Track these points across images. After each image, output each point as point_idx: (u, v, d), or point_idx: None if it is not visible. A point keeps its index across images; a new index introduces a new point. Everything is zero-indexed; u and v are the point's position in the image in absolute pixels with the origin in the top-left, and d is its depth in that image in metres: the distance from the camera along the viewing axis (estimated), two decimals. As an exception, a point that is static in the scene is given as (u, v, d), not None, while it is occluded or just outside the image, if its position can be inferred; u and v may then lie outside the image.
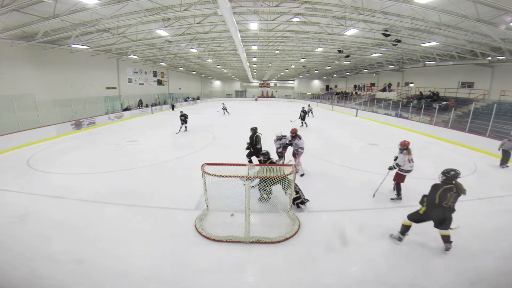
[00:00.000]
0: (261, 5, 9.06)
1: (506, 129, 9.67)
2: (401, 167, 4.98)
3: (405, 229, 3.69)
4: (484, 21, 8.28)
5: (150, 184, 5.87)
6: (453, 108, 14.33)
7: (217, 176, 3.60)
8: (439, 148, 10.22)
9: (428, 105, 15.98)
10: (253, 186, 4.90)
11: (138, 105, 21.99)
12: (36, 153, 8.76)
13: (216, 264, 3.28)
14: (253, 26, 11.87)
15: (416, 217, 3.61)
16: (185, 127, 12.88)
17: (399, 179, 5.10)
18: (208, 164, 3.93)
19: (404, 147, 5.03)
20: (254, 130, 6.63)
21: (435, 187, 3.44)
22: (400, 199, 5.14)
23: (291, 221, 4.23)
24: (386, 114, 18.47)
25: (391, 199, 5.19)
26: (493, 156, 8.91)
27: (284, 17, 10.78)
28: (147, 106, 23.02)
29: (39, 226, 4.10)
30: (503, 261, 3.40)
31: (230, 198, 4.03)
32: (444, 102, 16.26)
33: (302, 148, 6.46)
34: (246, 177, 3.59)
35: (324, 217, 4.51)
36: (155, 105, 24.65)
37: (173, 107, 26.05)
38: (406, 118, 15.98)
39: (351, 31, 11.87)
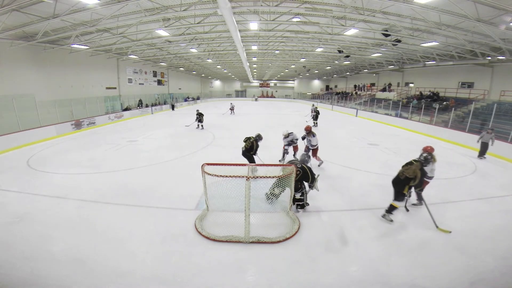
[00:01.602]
0: (261, 5, 9.05)
1: (506, 129, 9.67)
2: (426, 174, 4.66)
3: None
4: (484, 21, 8.28)
5: (150, 184, 5.86)
6: (453, 108, 14.34)
7: (217, 176, 3.61)
8: (439, 148, 10.20)
9: (428, 105, 15.99)
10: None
11: (138, 105, 21.99)
12: (36, 153, 8.76)
13: (216, 264, 3.28)
14: (253, 26, 11.87)
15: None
16: (202, 125, 13.70)
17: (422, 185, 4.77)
18: (208, 164, 3.94)
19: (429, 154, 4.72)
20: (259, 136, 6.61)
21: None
22: (421, 204, 4.78)
23: (291, 221, 4.23)
24: (386, 114, 18.48)
25: (413, 204, 4.93)
26: (493, 156, 8.92)
27: (284, 17, 10.78)
28: (147, 106, 23.01)
29: (39, 226, 4.10)
30: (503, 261, 3.40)
31: (230, 198, 4.03)
32: (444, 102, 16.27)
33: (313, 146, 6.86)
34: (247, 177, 3.59)
35: (324, 217, 4.50)
36: (155, 105, 24.65)
37: (173, 107, 26.07)
38: (406, 118, 15.99)
39: (351, 31, 11.87)
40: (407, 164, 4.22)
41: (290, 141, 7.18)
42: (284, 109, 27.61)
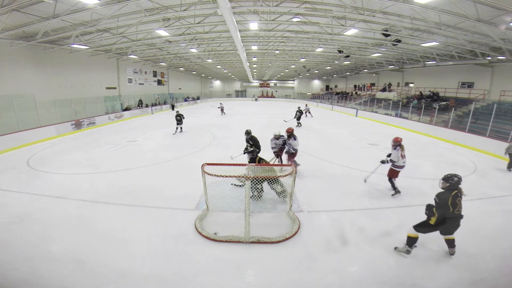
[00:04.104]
0: (261, 5, 9.05)
1: (506, 129, 9.66)
2: (395, 163, 5.17)
3: (412, 241, 3.45)
4: (484, 21, 8.28)
5: (150, 184, 5.87)
6: (453, 108, 14.34)
7: (217, 176, 3.61)
8: (439, 148, 10.23)
9: (428, 105, 15.98)
10: (240, 185, 4.87)
11: (138, 105, 21.99)
12: (36, 153, 8.76)
13: (216, 264, 3.28)
14: (253, 26, 11.87)
15: (427, 229, 3.35)
16: (181, 127, 12.49)
17: (393, 174, 5.29)
18: (208, 164, 3.94)
19: (397, 144, 5.17)
20: (249, 132, 6.23)
21: (443, 196, 3.20)
22: (399, 192, 5.33)
23: (291, 221, 4.23)
24: (386, 114, 18.47)
25: (392, 195, 5.30)
26: (493, 156, 8.92)
27: (284, 17, 10.78)
28: (147, 106, 23.02)
29: (39, 226, 4.10)
30: (503, 261, 3.40)
31: (230, 198, 4.04)
32: (444, 102, 16.26)
33: (295, 149, 6.33)
34: (246, 177, 3.59)
35: (324, 217, 4.50)
36: (155, 105, 24.65)
37: (173, 107, 26.04)
38: (406, 118, 15.98)
39: (351, 31, 11.87)
40: (455, 197, 3.22)
41: (282, 145, 6.51)
42: (284, 109, 27.59)
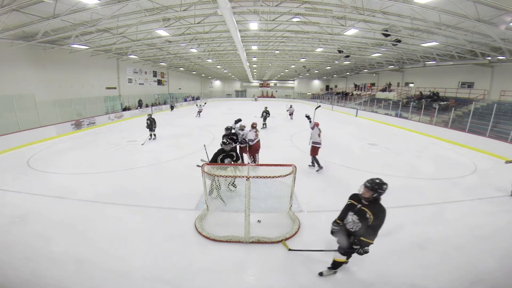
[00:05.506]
0: (261, 5, 9.05)
1: (506, 129, 9.67)
2: (314, 141, 6.51)
3: (340, 265, 3.03)
4: (484, 21, 8.28)
5: (150, 184, 5.87)
6: (453, 108, 14.34)
7: (217, 176, 3.62)
8: (439, 148, 10.23)
9: (428, 105, 15.98)
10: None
11: (138, 105, 21.99)
12: (36, 153, 8.76)
13: (216, 264, 3.28)
14: (253, 26, 11.86)
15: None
16: (154, 134, 10.80)
17: (314, 152, 6.61)
18: (208, 164, 3.94)
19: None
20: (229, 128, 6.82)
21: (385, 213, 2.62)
22: (322, 167, 6.70)
23: (291, 221, 4.23)
24: (386, 114, 18.48)
25: (317, 171, 6.68)
26: (493, 156, 8.93)
27: (284, 17, 10.78)
28: (147, 106, 23.01)
29: (39, 226, 4.10)
30: (503, 261, 3.40)
31: (230, 198, 4.04)
32: (444, 102, 16.26)
33: (248, 139, 6.63)
34: (247, 177, 3.59)
35: (324, 217, 4.49)
36: (155, 105, 24.65)
37: (172, 108, 25.96)
38: (406, 118, 15.99)
39: (351, 31, 11.87)
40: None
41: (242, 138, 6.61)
42: (284, 109, 27.52)
